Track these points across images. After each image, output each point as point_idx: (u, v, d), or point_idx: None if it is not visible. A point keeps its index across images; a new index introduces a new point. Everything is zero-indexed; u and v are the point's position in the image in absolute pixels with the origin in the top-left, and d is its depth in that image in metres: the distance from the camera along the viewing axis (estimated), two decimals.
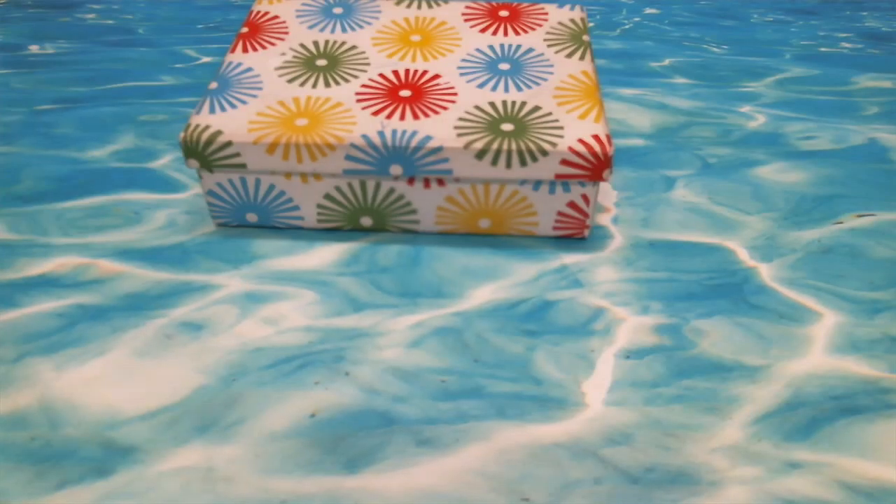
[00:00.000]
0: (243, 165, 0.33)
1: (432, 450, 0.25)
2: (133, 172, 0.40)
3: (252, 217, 0.35)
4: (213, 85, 0.35)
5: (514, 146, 0.31)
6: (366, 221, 0.35)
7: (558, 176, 0.32)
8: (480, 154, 0.32)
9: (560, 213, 0.34)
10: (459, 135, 0.32)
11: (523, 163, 0.32)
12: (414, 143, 0.32)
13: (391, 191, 0.34)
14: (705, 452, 0.25)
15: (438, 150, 0.32)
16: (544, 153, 0.31)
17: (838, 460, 0.24)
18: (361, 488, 0.23)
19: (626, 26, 0.74)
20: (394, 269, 0.33)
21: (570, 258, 0.34)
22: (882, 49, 0.66)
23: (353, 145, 0.32)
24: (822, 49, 0.66)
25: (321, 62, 0.37)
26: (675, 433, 0.25)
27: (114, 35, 0.60)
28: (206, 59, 0.55)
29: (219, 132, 0.32)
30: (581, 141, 0.32)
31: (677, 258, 0.34)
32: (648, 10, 0.82)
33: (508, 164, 0.32)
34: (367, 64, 0.37)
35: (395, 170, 0.32)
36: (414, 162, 0.32)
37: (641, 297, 0.32)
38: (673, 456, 0.25)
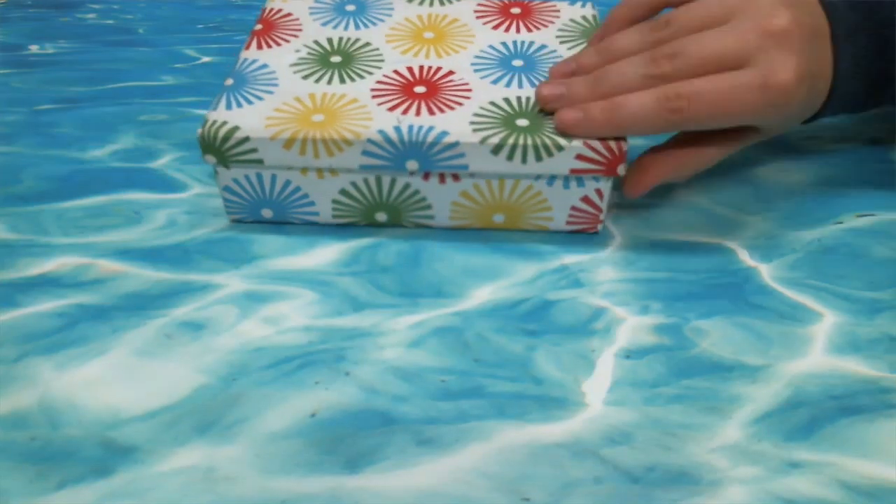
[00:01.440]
0: (260, 161, 0.33)
1: (433, 449, 0.25)
2: (133, 172, 0.40)
3: (267, 213, 0.35)
4: (229, 81, 0.35)
5: (529, 141, 0.32)
6: (381, 217, 0.35)
7: (573, 171, 0.32)
8: (496, 149, 0.32)
9: (574, 208, 0.34)
10: (475, 130, 0.32)
11: (539, 158, 0.32)
12: (430, 138, 0.32)
13: (406, 186, 0.34)
14: (705, 452, 0.25)
15: (455, 145, 0.32)
16: (560, 148, 0.32)
17: (838, 460, 0.24)
18: (362, 488, 0.23)
19: None
20: (394, 269, 0.33)
21: (570, 258, 0.34)
22: None
23: (369, 141, 0.32)
24: None
25: (335, 59, 0.37)
26: (675, 433, 0.25)
27: (114, 35, 0.60)
28: (206, 59, 0.55)
29: (236, 128, 0.32)
30: None
31: (677, 258, 0.34)
32: None
33: (524, 160, 0.32)
34: (382, 61, 0.37)
35: (412, 165, 0.32)
36: (430, 157, 0.32)
37: (641, 297, 0.32)
38: (673, 455, 0.25)
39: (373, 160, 0.32)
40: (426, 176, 0.33)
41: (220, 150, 0.32)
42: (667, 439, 0.25)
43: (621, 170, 0.32)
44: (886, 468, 0.24)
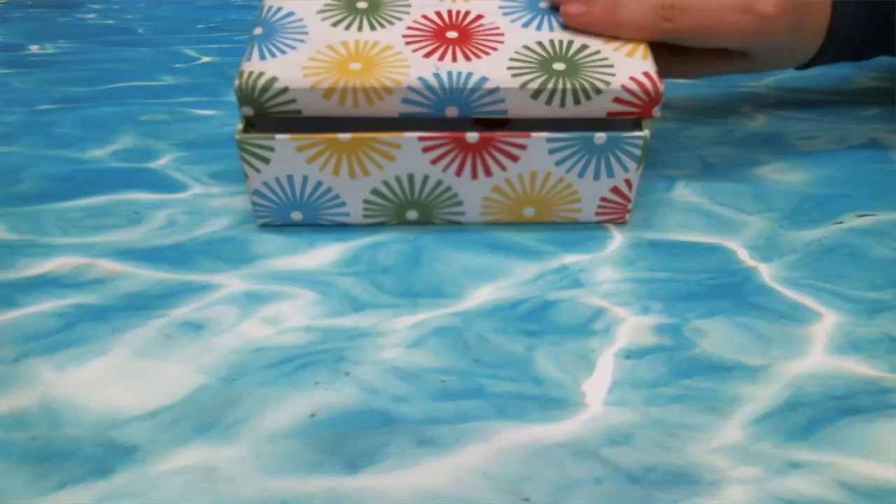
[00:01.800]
0: (298, 111, 0.33)
1: (433, 450, 0.25)
2: (133, 172, 0.40)
3: (297, 215, 0.35)
4: (258, 30, 0.35)
5: (567, 85, 0.32)
6: (411, 215, 0.35)
7: (610, 114, 0.33)
8: (536, 94, 0.32)
9: (603, 199, 0.34)
10: (514, 75, 0.33)
11: (577, 102, 0.32)
12: (471, 84, 0.32)
13: (438, 183, 0.34)
14: (706, 452, 0.25)
15: (495, 90, 0.32)
16: (598, 91, 0.32)
17: (839, 460, 0.24)
18: (362, 488, 0.23)
19: None
20: (394, 269, 0.33)
21: (570, 258, 0.34)
22: None
23: (410, 88, 0.32)
24: None
25: (362, 5, 0.37)
26: (675, 433, 0.25)
27: (114, 35, 0.60)
28: (206, 59, 0.55)
29: (274, 78, 0.32)
30: (633, 79, 0.33)
31: (677, 258, 0.34)
32: None
33: (563, 104, 0.33)
34: (409, 5, 0.37)
35: (451, 111, 0.33)
36: (470, 103, 0.32)
37: (641, 297, 0.32)
38: (673, 456, 0.25)
39: (413, 108, 0.32)
40: (459, 172, 0.33)
41: (258, 101, 0.32)
42: (667, 439, 0.25)
43: (656, 112, 0.33)
44: (886, 468, 0.24)
